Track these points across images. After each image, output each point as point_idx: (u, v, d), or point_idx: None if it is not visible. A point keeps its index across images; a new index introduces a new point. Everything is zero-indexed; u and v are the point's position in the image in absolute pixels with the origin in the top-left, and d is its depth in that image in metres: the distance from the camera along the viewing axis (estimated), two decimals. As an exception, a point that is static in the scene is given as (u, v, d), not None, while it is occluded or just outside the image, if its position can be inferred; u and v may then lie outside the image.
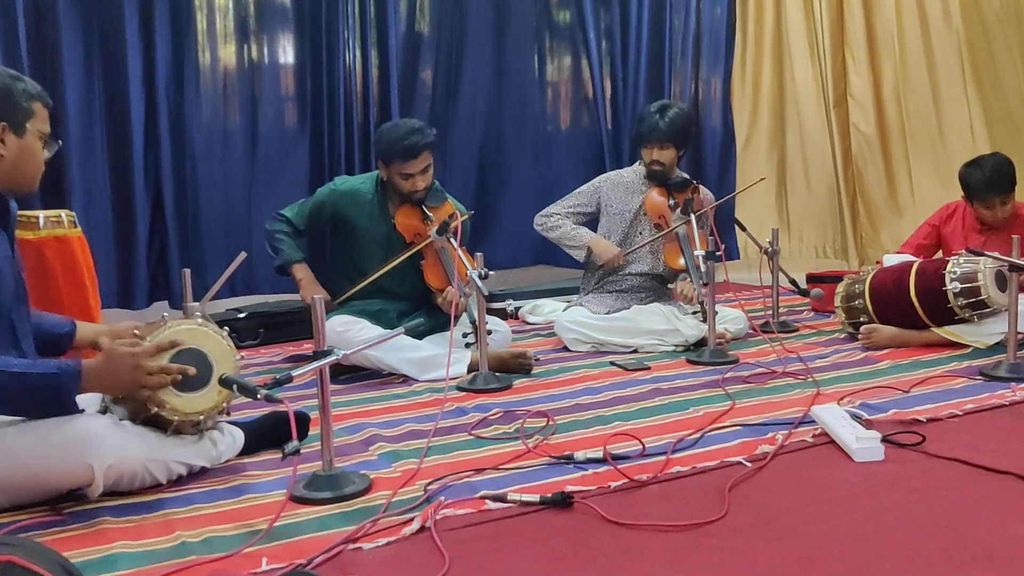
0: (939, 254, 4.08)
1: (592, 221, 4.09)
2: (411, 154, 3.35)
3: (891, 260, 3.89)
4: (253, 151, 4.56)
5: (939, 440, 2.38)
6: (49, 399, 1.96)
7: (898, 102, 5.75)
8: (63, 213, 3.16)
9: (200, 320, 2.25)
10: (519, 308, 4.62)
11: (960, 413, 2.65)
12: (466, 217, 3.57)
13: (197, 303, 2.39)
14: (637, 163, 4.08)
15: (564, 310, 4.00)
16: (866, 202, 5.96)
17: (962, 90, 5.37)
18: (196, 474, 2.23)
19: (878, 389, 2.93)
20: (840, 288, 3.86)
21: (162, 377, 2.07)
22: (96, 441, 1.99)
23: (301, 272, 3.47)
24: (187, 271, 2.47)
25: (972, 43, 5.22)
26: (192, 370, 2.12)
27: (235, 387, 2.00)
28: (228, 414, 2.37)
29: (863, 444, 2.27)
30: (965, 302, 3.42)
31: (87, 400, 2.23)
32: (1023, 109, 4.95)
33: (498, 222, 5.23)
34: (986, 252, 3.17)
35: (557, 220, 4.02)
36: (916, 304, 3.52)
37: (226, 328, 2.27)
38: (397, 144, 3.35)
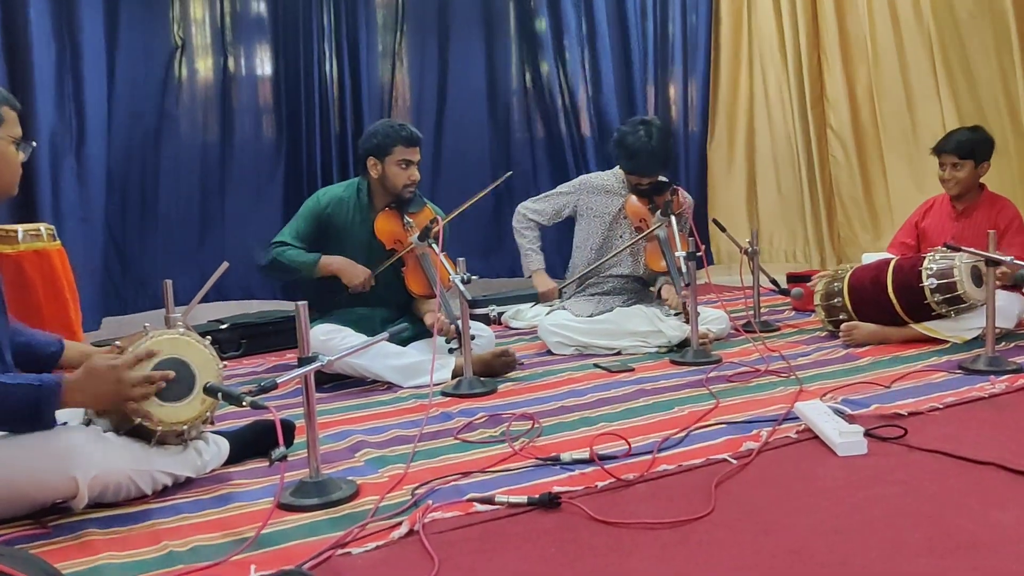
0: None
1: (568, 221, 4.13)
2: (413, 141, 3.45)
3: (869, 259, 3.93)
4: (231, 162, 4.56)
5: (921, 433, 2.41)
6: (28, 413, 1.95)
7: (871, 102, 5.81)
8: (42, 226, 3.14)
9: (182, 330, 2.24)
10: (502, 313, 4.63)
11: (941, 406, 2.68)
12: (446, 221, 3.57)
13: (179, 313, 2.38)
14: (617, 167, 4.10)
15: (547, 314, 4.01)
16: (843, 202, 6.00)
17: (934, 89, 5.42)
18: (182, 484, 2.22)
19: (860, 385, 2.96)
20: (819, 287, 3.89)
21: (146, 387, 2.06)
22: (80, 453, 1.98)
23: (330, 260, 3.44)
24: (168, 282, 2.46)
25: (944, 41, 5.27)
26: (172, 374, 2.11)
27: (220, 395, 2.00)
28: (212, 424, 2.36)
29: (846, 438, 2.29)
30: (942, 298, 3.46)
31: (70, 413, 2.22)
32: (997, 104, 4.99)
33: (476, 232, 5.22)
34: (963, 247, 3.20)
35: (528, 227, 4.08)
36: (894, 301, 3.55)
37: (208, 338, 2.27)
38: (400, 131, 3.46)
